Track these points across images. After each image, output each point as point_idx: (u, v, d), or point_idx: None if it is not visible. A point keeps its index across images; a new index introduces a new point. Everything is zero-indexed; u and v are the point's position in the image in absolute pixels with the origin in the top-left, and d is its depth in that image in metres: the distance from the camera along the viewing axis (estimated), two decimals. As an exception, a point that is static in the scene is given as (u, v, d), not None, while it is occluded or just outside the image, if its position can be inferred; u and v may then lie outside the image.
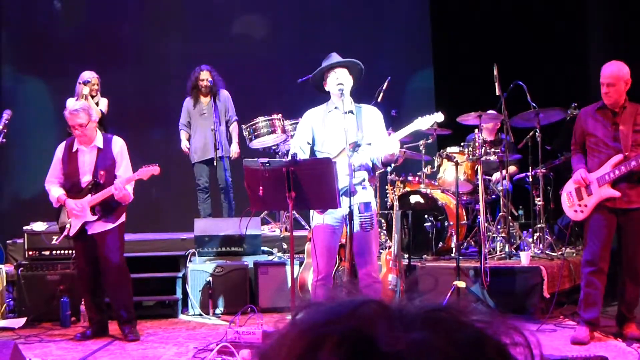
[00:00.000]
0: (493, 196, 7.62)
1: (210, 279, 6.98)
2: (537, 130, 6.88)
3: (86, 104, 6.45)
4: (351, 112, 5.03)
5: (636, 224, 5.28)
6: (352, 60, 5.10)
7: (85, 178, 5.85)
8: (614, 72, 5.23)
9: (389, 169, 5.35)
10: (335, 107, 5.06)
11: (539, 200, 7.08)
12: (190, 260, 7.26)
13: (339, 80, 4.96)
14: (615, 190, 5.20)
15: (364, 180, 4.97)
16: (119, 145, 5.98)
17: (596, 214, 5.31)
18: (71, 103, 7.15)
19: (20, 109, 8.36)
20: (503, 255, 6.83)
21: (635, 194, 5.24)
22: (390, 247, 6.49)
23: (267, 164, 4.55)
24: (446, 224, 7.06)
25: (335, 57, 5.11)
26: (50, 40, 10.10)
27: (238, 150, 8.22)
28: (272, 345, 0.77)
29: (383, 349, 0.70)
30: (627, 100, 5.30)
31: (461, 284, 5.98)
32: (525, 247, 7.08)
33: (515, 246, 7.15)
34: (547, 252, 6.88)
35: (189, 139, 8.32)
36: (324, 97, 5.20)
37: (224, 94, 8.28)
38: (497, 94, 6.87)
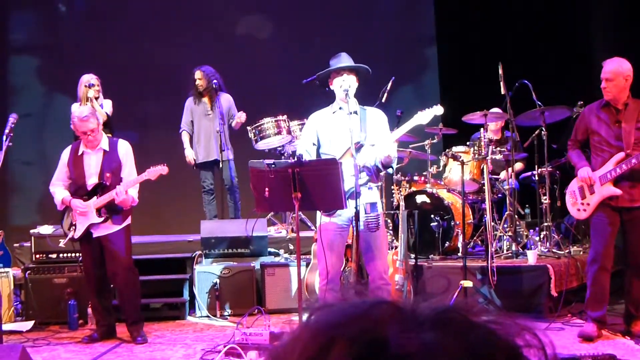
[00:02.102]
0: (499, 195, 7.61)
1: (217, 280, 6.99)
2: (543, 128, 6.87)
3: (92, 108, 6.47)
4: (355, 112, 5.03)
5: (638, 221, 5.27)
6: (361, 66, 5.11)
7: (92, 180, 5.87)
8: (614, 67, 5.21)
9: (390, 171, 5.34)
10: (340, 108, 5.07)
11: (546, 199, 7.06)
12: (197, 262, 7.27)
13: (345, 84, 4.97)
14: (616, 189, 5.20)
15: (368, 181, 4.97)
16: (124, 148, 6.00)
17: (599, 213, 5.31)
18: (76, 108, 7.17)
19: (27, 113, 8.40)
20: (510, 254, 6.82)
21: (637, 191, 5.23)
22: (396, 247, 6.48)
23: (273, 165, 4.56)
24: (452, 223, 7.06)
25: (344, 59, 5.10)
26: (55, 43, 10.12)
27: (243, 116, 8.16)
28: (285, 346, 0.77)
29: (394, 350, 0.70)
30: (630, 97, 5.29)
31: (468, 284, 5.96)
32: (532, 246, 7.07)
33: (522, 245, 7.14)
34: (554, 250, 6.86)
35: (190, 141, 8.31)
36: (330, 98, 5.20)
37: (227, 97, 8.27)
38: (503, 92, 6.86)
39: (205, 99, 8.20)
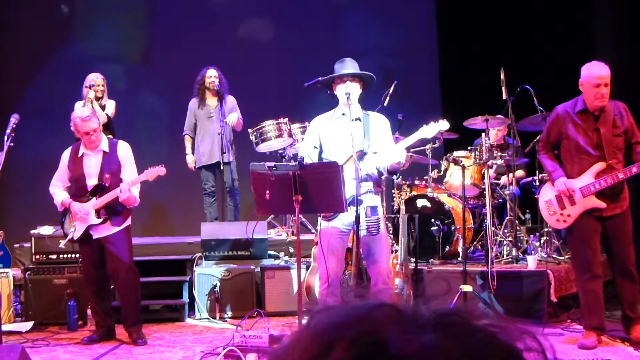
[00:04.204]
0: (500, 200, 7.60)
1: (217, 282, 6.99)
2: (544, 134, 6.86)
3: (92, 108, 6.48)
4: (358, 119, 5.02)
5: (622, 227, 5.25)
6: (365, 73, 5.11)
7: (91, 182, 5.87)
8: (609, 72, 5.12)
9: (394, 177, 5.35)
10: (343, 114, 5.06)
11: (546, 204, 7.05)
12: (197, 264, 7.27)
13: (347, 90, 4.97)
14: (600, 202, 5.16)
15: (370, 187, 4.97)
16: (124, 149, 6.00)
17: (582, 223, 5.26)
18: (79, 107, 7.20)
19: (27, 113, 8.39)
20: (510, 259, 6.82)
21: (617, 199, 5.22)
22: (396, 251, 6.48)
23: (274, 168, 4.56)
24: (453, 228, 7.06)
25: (348, 65, 5.09)
26: (56, 43, 10.13)
27: (238, 117, 8.11)
28: (285, 348, 0.77)
29: (394, 352, 0.70)
30: None
31: (468, 288, 5.96)
32: (532, 251, 7.07)
33: (522, 250, 7.14)
34: (554, 256, 6.87)
35: (192, 145, 8.30)
36: (331, 101, 5.20)
37: (231, 99, 8.27)
38: (504, 97, 6.85)
39: (210, 100, 8.18)
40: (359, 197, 4.70)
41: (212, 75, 8.13)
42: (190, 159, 8.28)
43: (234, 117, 7.98)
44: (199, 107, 8.21)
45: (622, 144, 5.22)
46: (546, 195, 5.47)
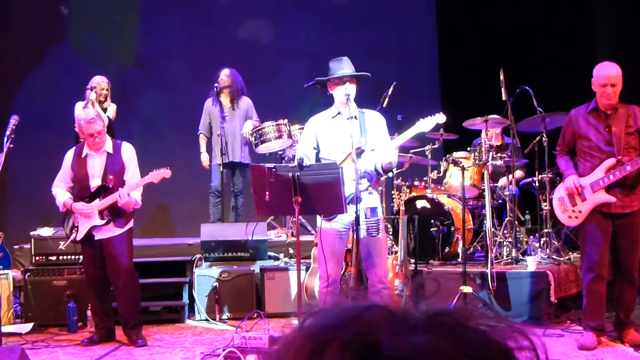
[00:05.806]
0: (499, 201, 7.60)
1: (217, 284, 6.99)
2: (544, 135, 6.87)
3: (95, 110, 6.48)
4: (355, 117, 5.03)
5: (630, 228, 5.25)
6: (364, 74, 5.11)
7: (95, 182, 5.87)
8: (618, 72, 5.18)
9: (390, 175, 5.34)
10: (339, 113, 5.06)
11: (546, 205, 7.05)
12: (196, 266, 7.27)
13: (347, 91, 4.97)
14: (610, 196, 5.17)
15: (369, 186, 4.97)
16: (128, 150, 6.01)
17: (591, 220, 5.27)
18: (79, 107, 7.20)
19: (27, 114, 8.41)
20: (510, 260, 6.81)
21: (629, 198, 5.22)
22: (396, 252, 6.48)
23: (274, 169, 4.56)
24: (452, 229, 7.05)
25: (345, 64, 5.08)
26: (56, 44, 10.13)
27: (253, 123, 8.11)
28: (279, 350, 0.78)
29: (387, 353, 0.70)
30: (618, 102, 5.27)
31: (468, 289, 5.96)
32: (532, 252, 7.06)
33: (521, 251, 7.13)
34: (554, 257, 6.86)
35: (207, 144, 8.30)
36: (331, 101, 5.19)
37: (245, 101, 8.30)
38: (504, 98, 6.85)
39: (223, 100, 8.21)
40: (358, 196, 4.70)
41: (221, 74, 8.22)
42: (204, 157, 8.31)
43: (249, 128, 8.00)
44: (214, 106, 8.23)
45: (636, 143, 5.24)
46: (559, 193, 5.51)
